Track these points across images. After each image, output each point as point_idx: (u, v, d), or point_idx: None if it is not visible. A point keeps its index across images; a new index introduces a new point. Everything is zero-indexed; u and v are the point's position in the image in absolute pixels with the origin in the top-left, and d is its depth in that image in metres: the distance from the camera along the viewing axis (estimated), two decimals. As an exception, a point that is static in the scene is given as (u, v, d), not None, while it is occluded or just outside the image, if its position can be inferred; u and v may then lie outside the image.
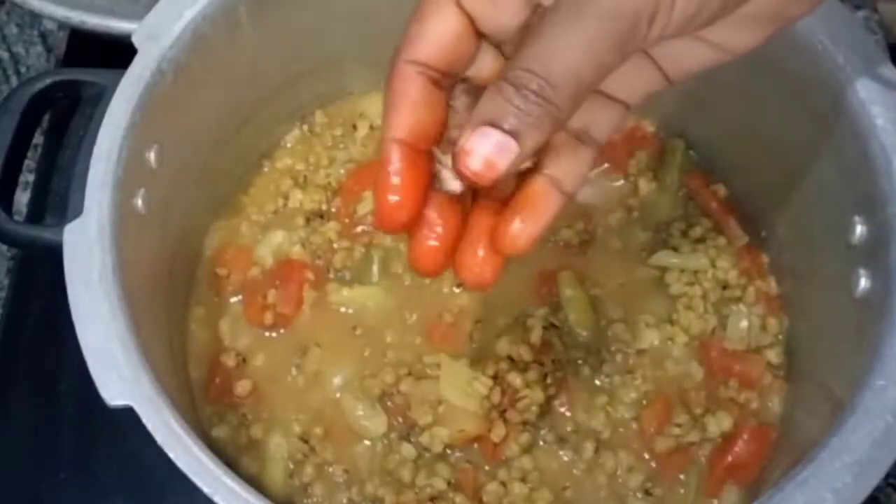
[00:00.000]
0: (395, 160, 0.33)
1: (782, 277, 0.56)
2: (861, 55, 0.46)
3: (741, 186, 0.58)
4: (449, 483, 0.50)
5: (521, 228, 0.32)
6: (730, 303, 0.55)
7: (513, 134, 0.29)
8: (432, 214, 0.33)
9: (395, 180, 0.32)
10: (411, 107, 0.33)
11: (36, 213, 0.66)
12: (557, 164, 0.33)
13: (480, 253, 0.33)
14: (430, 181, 0.33)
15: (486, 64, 0.34)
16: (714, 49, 0.33)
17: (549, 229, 0.33)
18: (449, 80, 0.34)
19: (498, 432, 0.50)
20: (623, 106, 0.35)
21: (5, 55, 0.76)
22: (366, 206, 0.58)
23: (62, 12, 0.62)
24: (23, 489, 0.58)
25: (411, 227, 0.33)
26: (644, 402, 0.52)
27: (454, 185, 0.33)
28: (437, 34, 0.33)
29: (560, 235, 0.57)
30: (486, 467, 0.51)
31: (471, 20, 0.33)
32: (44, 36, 0.77)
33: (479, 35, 0.33)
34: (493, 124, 0.30)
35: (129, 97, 0.46)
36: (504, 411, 0.51)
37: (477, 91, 0.33)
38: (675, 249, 0.56)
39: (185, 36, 0.48)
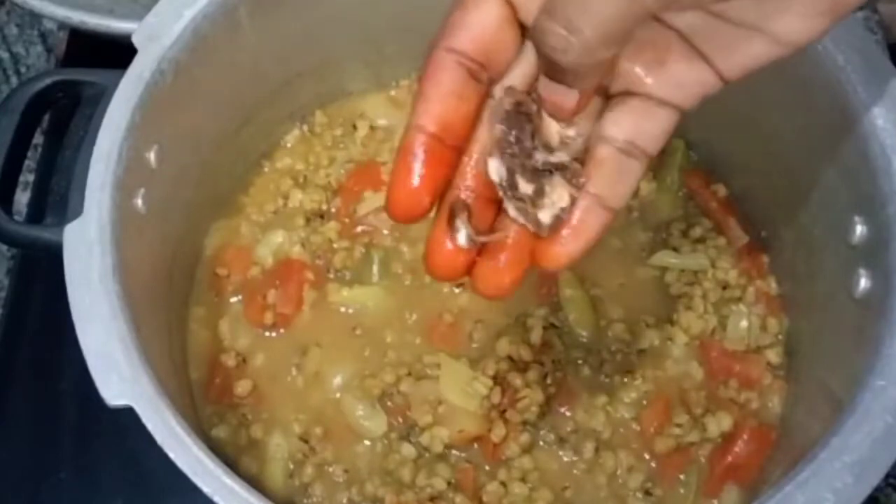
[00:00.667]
0: (418, 149, 0.31)
1: (782, 277, 0.56)
2: (861, 55, 0.46)
3: (741, 186, 0.58)
4: (449, 483, 0.50)
5: (563, 246, 0.32)
6: (730, 303, 0.55)
7: (561, 83, 0.30)
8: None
9: (415, 169, 0.31)
10: (443, 97, 0.32)
11: (36, 213, 0.66)
12: (601, 181, 0.32)
13: (502, 263, 0.33)
14: (450, 178, 0.33)
15: (526, 69, 0.33)
16: (769, 41, 0.31)
17: (594, 246, 0.33)
18: (486, 75, 0.32)
19: (498, 432, 0.50)
20: (675, 110, 0.33)
21: (5, 55, 0.76)
22: (366, 206, 0.58)
23: (62, 12, 0.62)
24: (23, 489, 0.58)
25: (420, 219, 0.33)
26: (644, 402, 0.52)
27: (462, 240, 0.32)
28: (478, 22, 0.32)
29: (560, 235, 0.57)
30: (486, 467, 0.51)
31: (513, 9, 0.32)
32: (44, 36, 0.77)
33: (522, 28, 0.32)
34: (550, 77, 0.31)
35: (129, 97, 0.46)
36: (504, 411, 0.51)
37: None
38: (675, 249, 0.56)
39: (186, 36, 0.48)
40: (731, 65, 0.32)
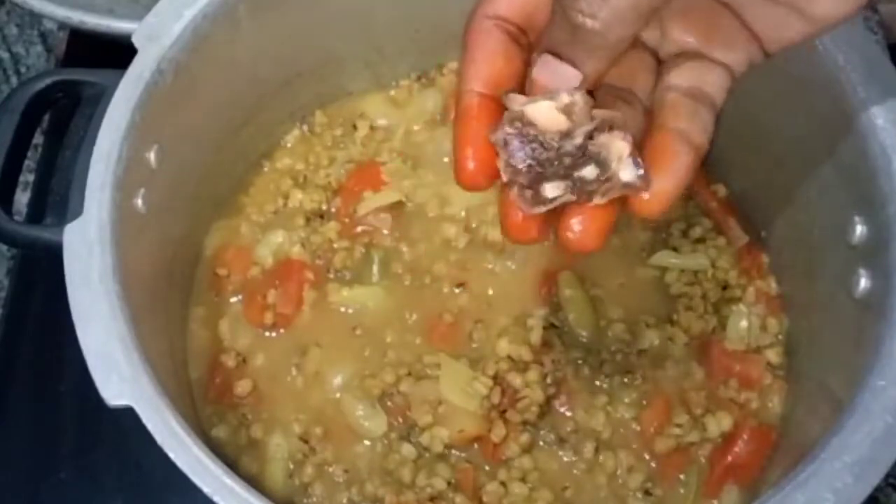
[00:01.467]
0: (476, 110, 0.31)
1: (782, 277, 0.56)
2: (861, 55, 0.46)
3: (741, 186, 0.58)
4: (449, 483, 0.50)
5: (657, 185, 0.30)
6: (730, 303, 0.55)
7: (569, 61, 0.30)
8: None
9: (477, 132, 0.31)
10: (489, 58, 0.32)
11: (36, 213, 0.66)
12: (678, 118, 0.32)
13: (584, 219, 0.31)
14: None
15: None
16: (805, 20, 0.32)
17: (685, 187, 0.31)
18: (527, 39, 0.33)
19: (498, 432, 0.50)
20: (728, 70, 0.34)
21: (5, 55, 0.76)
22: (366, 205, 0.58)
23: (62, 12, 0.62)
24: (23, 489, 0.58)
25: (491, 185, 0.32)
26: (644, 402, 0.52)
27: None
28: None
29: (560, 235, 0.57)
30: (486, 467, 0.51)
31: None
32: (44, 36, 0.77)
33: None
34: (552, 52, 0.30)
35: (129, 97, 0.46)
36: (504, 411, 0.51)
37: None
38: (675, 249, 0.56)
39: (185, 36, 0.48)
40: (772, 42, 0.33)
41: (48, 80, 0.50)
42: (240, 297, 0.56)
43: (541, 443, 0.51)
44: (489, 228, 0.57)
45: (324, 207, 0.59)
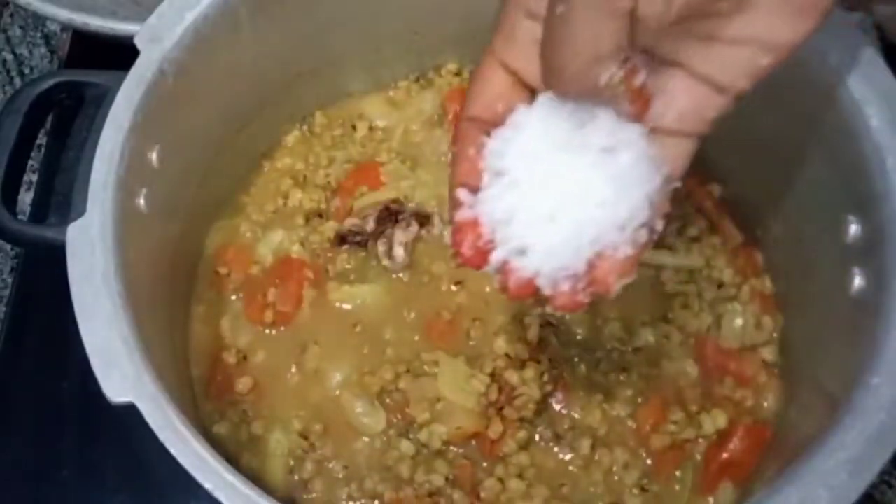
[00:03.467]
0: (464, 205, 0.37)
1: (777, 276, 0.56)
2: (855, 56, 0.46)
3: (736, 186, 0.58)
4: (447, 479, 0.50)
5: None
6: (725, 301, 0.55)
7: None
8: None
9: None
10: (470, 159, 0.37)
11: (39, 213, 0.67)
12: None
13: None
14: None
15: None
16: (756, 48, 0.34)
17: None
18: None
19: (495, 429, 0.51)
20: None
21: (9, 57, 0.76)
22: (363, 201, 0.59)
23: (65, 14, 0.62)
24: (26, 486, 0.58)
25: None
26: (640, 399, 0.53)
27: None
28: (485, 92, 0.37)
29: (558, 235, 0.57)
30: (484, 464, 0.51)
31: (516, 76, 0.37)
32: (47, 37, 0.77)
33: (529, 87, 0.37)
34: None
35: (131, 98, 0.47)
36: (501, 408, 0.51)
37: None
38: (671, 248, 0.57)
39: (187, 37, 0.49)
40: (726, 80, 0.35)
41: (52, 82, 0.51)
42: (240, 295, 0.57)
43: (537, 439, 0.52)
44: (487, 228, 0.57)
45: (323, 207, 0.59)
